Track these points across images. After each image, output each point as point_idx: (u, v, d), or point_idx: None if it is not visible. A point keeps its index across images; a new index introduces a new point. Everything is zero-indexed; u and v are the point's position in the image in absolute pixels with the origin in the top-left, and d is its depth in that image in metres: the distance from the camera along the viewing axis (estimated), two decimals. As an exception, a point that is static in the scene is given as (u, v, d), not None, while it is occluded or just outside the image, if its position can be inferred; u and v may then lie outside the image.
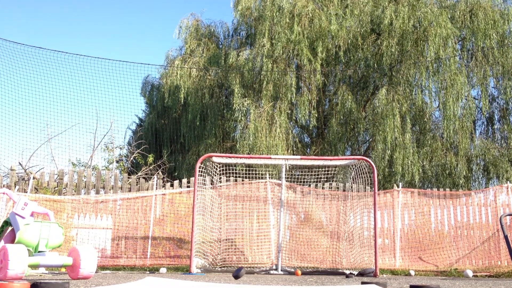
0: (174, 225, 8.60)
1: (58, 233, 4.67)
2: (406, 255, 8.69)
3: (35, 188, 9.04)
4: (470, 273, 7.61)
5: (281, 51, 12.71)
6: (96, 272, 5.95)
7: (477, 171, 13.67)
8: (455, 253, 8.66)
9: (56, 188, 9.32)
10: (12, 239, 4.56)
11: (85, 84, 17.41)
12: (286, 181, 8.49)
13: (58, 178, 9.67)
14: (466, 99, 12.84)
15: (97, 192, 9.46)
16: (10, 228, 4.69)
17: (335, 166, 8.85)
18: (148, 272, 7.41)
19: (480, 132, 14.45)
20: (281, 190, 8.38)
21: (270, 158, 8.56)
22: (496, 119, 14.31)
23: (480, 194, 9.27)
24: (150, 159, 12.75)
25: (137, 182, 9.70)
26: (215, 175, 8.38)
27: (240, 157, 8.87)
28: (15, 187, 8.94)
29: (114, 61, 12.55)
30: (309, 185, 9.05)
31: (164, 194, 8.90)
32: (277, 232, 8.35)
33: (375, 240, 7.28)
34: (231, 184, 8.84)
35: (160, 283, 3.32)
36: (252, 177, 8.87)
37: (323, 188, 9.29)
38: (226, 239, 8.40)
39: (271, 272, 7.79)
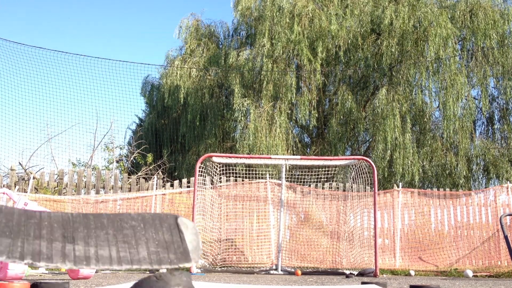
0: (174, 225, 8.60)
1: (58, 233, 4.67)
2: (406, 255, 8.68)
3: (35, 188, 9.03)
4: (470, 273, 7.61)
5: (281, 51, 12.72)
6: (96, 272, 5.95)
7: (477, 171, 13.67)
8: (455, 253, 8.66)
9: (56, 188, 9.32)
10: (12, 239, 4.55)
11: (85, 84, 17.43)
12: (286, 181, 8.49)
13: (58, 178, 9.67)
14: (466, 99, 12.84)
15: (97, 192, 9.47)
16: (10, 228, 4.69)
17: (335, 166, 8.85)
18: (148, 272, 7.41)
19: (480, 132, 14.46)
20: (281, 190, 8.38)
21: (270, 158, 8.56)
22: (496, 119, 14.31)
23: (480, 194, 9.26)
24: (150, 158, 12.74)
25: (137, 182, 9.70)
26: (215, 175, 8.38)
27: (240, 157, 8.87)
28: (15, 187, 8.94)
29: (114, 61, 12.57)
30: (309, 185, 9.05)
31: (164, 194, 8.90)
32: (277, 232, 8.35)
33: (375, 240, 7.28)
34: (231, 184, 8.84)
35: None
36: (252, 177, 8.86)
37: (323, 188, 9.29)
38: (226, 239, 8.40)
39: (271, 272, 7.79)
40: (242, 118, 12.71)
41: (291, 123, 13.70)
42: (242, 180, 8.85)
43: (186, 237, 0.87)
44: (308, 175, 8.81)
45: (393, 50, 12.42)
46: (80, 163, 13.71)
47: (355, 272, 7.43)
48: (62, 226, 0.83)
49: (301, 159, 8.21)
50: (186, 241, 0.86)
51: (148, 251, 0.83)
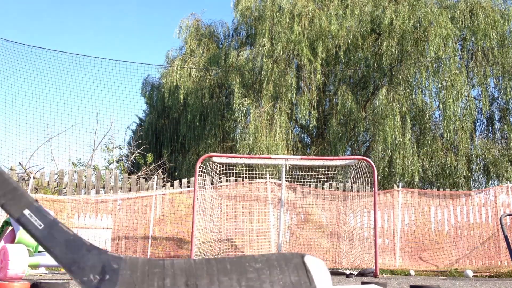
0: (174, 225, 8.60)
1: (58, 233, 4.66)
2: (406, 255, 8.68)
3: (35, 188, 9.03)
4: (470, 273, 7.60)
5: (281, 51, 12.72)
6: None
7: (477, 171, 13.67)
8: (455, 253, 8.66)
9: (56, 188, 9.32)
10: (12, 239, 4.56)
11: (85, 84, 17.42)
12: (286, 181, 8.49)
13: (58, 178, 9.68)
14: (466, 99, 12.84)
15: (97, 192, 9.47)
16: (10, 228, 4.69)
17: (335, 166, 8.85)
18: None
19: (480, 132, 14.46)
20: (281, 190, 8.38)
21: (270, 158, 8.56)
22: (496, 119, 14.31)
23: (480, 194, 9.26)
24: (149, 158, 12.75)
25: (137, 182, 9.70)
26: (215, 175, 8.38)
27: (240, 157, 8.86)
28: (15, 187, 8.93)
29: (114, 61, 12.57)
30: (309, 185, 9.05)
31: (164, 194, 8.90)
32: (277, 232, 8.35)
33: (375, 240, 7.28)
34: (231, 184, 8.84)
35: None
36: (252, 177, 8.87)
37: (323, 188, 9.29)
38: (226, 239, 8.41)
39: (271, 272, 7.79)
40: (242, 118, 12.72)
41: (291, 123, 13.71)
42: (242, 180, 8.85)
43: (314, 277, 0.85)
44: (308, 175, 8.80)
45: (393, 50, 12.42)
46: (80, 163, 13.72)
47: (355, 272, 7.43)
48: (185, 274, 0.85)
49: (301, 159, 8.21)
50: (314, 281, 0.84)
51: None
